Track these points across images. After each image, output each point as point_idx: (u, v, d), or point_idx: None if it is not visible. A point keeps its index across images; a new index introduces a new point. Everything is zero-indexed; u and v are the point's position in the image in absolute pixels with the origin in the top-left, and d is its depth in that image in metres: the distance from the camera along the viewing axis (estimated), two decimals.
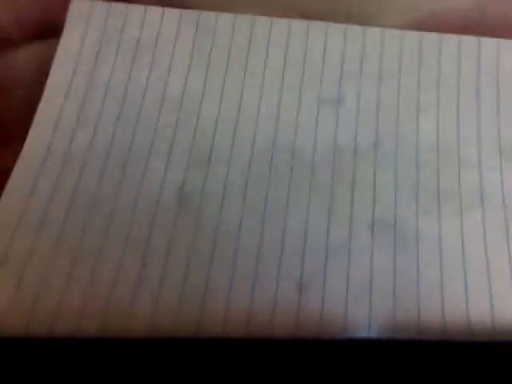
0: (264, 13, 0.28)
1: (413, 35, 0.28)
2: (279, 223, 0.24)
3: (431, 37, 0.28)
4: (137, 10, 0.28)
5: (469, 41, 0.28)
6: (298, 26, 0.28)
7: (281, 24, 0.28)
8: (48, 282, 0.22)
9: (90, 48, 0.27)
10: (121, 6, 0.28)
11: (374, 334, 0.22)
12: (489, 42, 0.28)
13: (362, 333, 0.22)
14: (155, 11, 0.28)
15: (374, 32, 0.28)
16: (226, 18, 0.28)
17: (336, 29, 0.28)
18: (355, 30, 0.28)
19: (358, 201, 0.25)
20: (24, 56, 0.28)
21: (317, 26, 0.28)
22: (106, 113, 0.26)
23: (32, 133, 0.25)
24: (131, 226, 0.24)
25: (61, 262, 0.23)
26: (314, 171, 0.25)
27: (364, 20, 0.28)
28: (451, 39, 0.28)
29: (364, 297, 0.23)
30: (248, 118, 0.26)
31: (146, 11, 0.28)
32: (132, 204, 0.24)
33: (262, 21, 0.28)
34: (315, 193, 0.25)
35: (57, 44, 0.27)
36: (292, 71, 0.27)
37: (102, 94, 0.26)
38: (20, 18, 0.28)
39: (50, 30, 0.28)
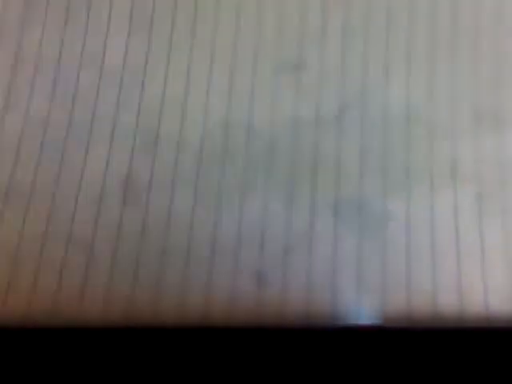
0: None
1: None
2: (235, 211, 0.22)
3: None
4: None
5: None
6: None
7: None
8: None
9: (16, 13, 0.24)
10: None
11: (339, 322, 0.21)
12: None
13: (326, 321, 0.21)
14: None
15: None
16: None
17: None
18: None
19: (321, 181, 0.23)
20: None
21: None
22: (38, 91, 0.23)
23: None
24: (73, 222, 0.22)
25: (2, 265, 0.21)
26: (271, 150, 0.23)
27: None
28: None
29: (327, 286, 0.21)
30: (197, 93, 0.23)
31: None
32: (73, 197, 0.22)
33: None
34: (274, 175, 0.23)
35: None
36: (245, 36, 0.24)
37: (32, 67, 0.23)
38: None
39: None
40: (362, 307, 0.21)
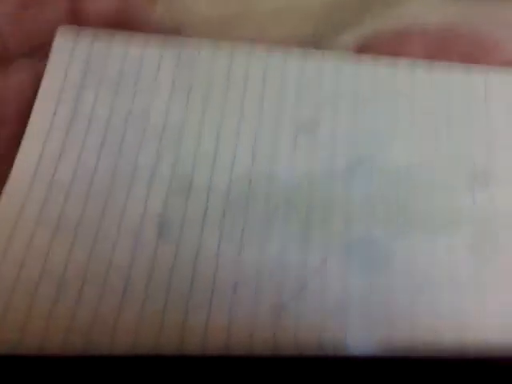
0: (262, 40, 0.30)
1: (386, 62, 0.29)
2: (257, 250, 0.25)
3: (403, 64, 0.29)
4: (120, 39, 0.29)
5: (439, 67, 0.29)
6: (275, 54, 0.29)
7: (259, 53, 0.29)
8: (35, 305, 0.23)
9: (74, 79, 0.28)
10: (105, 35, 0.29)
11: (351, 353, 0.23)
12: (458, 68, 0.29)
13: (340, 352, 0.23)
14: (138, 40, 0.29)
15: (349, 59, 0.29)
16: (207, 48, 0.29)
17: (313, 56, 0.29)
18: (331, 56, 0.29)
19: (333, 225, 0.26)
20: (15, 79, 0.29)
21: (294, 54, 0.29)
22: (90, 142, 0.27)
23: (17, 163, 0.26)
24: (114, 252, 0.25)
25: (47, 286, 0.24)
26: (289, 198, 0.26)
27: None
28: (423, 66, 0.29)
29: (341, 318, 0.24)
30: (226, 148, 0.27)
31: (129, 40, 0.29)
32: (115, 231, 0.25)
33: (242, 50, 0.29)
34: (291, 219, 0.26)
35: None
36: (269, 100, 0.28)
37: (86, 124, 0.27)
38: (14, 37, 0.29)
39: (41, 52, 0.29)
40: (369, 339, 0.23)
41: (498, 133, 0.28)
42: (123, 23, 0.30)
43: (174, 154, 0.27)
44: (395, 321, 0.24)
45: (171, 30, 0.30)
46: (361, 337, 0.23)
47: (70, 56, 0.29)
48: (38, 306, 0.23)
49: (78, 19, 0.31)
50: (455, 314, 0.24)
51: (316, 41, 0.30)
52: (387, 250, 0.25)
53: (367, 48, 0.30)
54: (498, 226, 0.26)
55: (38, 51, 0.29)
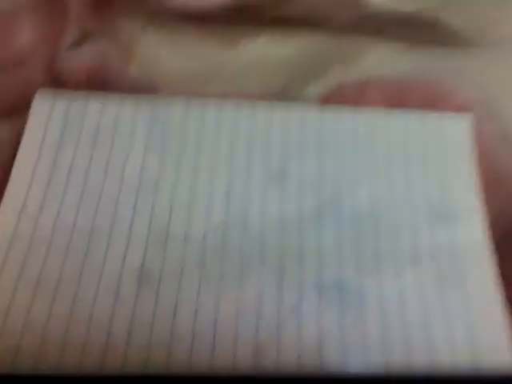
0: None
1: (347, 111, 0.31)
2: (234, 294, 0.26)
3: (362, 112, 0.31)
4: (96, 99, 0.31)
5: (396, 114, 0.31)
6: (244, 109, 0.31)
7: (228, 109, 0.31)
8: (18, 360, 0.24)
9: (53, 138, 0.29)
10: (82, 96, 0.31)
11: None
12: (413, 114, 0.31)
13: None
14: (113, 100, 0.31)
15: (313, 110, 0.31)
16: (179, 105, 0.31)
17: (280, 108, 0.31)
18: (296, 108, 0.31)
19: (306, 266, 0.27)
20: None
21: (262, 107, 0.31)
22: (69, 198, 0.28)
23: None
24: (94, 307, 0.25)
25: (29, 341, 0.24)
26: (263, 244, 0.27)
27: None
28: (381, 113, 0.31)
29: (317, 355, 0.25)
30: (201, 199, 0.29)
31: (104, 100, 0.31)
32: (95, 285, 0.26)
33: (212, 107, 0.31)
34: (266, 263, 0.27)
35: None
36: (240, 152, 0.30)
37: (64, 180, 0.29)
38: None
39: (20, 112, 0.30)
40: (345, 374, 0.24)
41: (453, 172, 0.30)
42: (99, 82, 0.32)
43: (151, 207, 0.28)
44: (369, 356, 0.25)
45: (146, 87, 0.32)
46: (337, 372, 0.24)
47: (48, 117, 0.30)
48: (21, 361, 0.24)
49: (55, 79, 0.32)
50: (426, 348, 0.25)
51: (284, 93, 0.32)
52: (358, 289, 0.26)
53: (331, 99, 0.32)
54: (460, 261, 0.27)
55: (17, 111, 0.30)
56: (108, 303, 0.25)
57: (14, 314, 0.25)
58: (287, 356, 0.24)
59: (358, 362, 0.24)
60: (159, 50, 0.33)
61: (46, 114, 0.30)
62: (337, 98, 0.31)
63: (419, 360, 0.25)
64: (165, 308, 0.25)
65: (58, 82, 0.32)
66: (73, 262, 0.26)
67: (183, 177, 0.29)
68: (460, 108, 0.31)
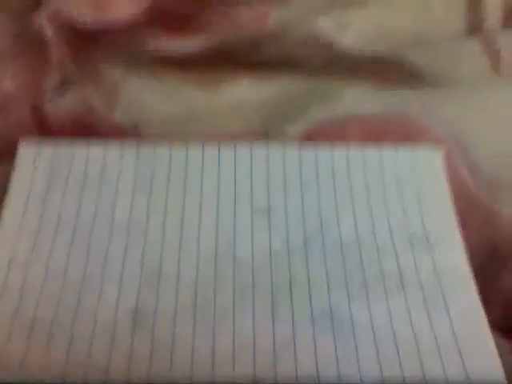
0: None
1: (324, 148, 0.33)
2: (229, 330, 0.26)
3: (339, 148, 0.33)
4: (81, 145, 0.31)
5: (372, 151, 0.33)
6: (226, 149, 0.32)
7: (211, 149, 0.32)
8: None
9: (40, 186, 0.30)
10: (66, 146, 0.31)
11: None
12: (388, 151, 0.33)
13: None
14: (98, 147, 0.31)
15: (293, 148, 0.33)
16: (162, 148, 0.32)
17: (261, 147, 0.32)
18: (277, 146, 0.33)
19: (297, 298, 0.28)
20: None
21: (243, 147, 0.32)
22: (59, 244, 0.28)
23: None
24: (90, 351, 0.25)
25: None
26: (254, 277, 0.28)
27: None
28: (357, 151, 0.33)
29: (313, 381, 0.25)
30: (190, 236, 0.29)
31: (89, 148, 0.31)
32: (90, 328, 0.26)
33: (195, 148, 0.32)
34: (258, 297, 0.27)
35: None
36: (225, 190, 0.31)
37: (54, 227, 0.29)
38: None
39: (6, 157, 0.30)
40: None
41: (429, 202, 0.31)
42: (84, 126, 0.32)
43: (142, 248, 0.29)
44: (364, 377, 0.25)
45: (130, 131, 0.33)
46: None
47: (34, 166, 0.30)
48: None
49: (40, 124, 0.32)
50: (416, 369, 0.26)
51: (264, 132, 0.33)
52: (349, 317, 0.27)
53: (311, 136, 0.33)
54: (443, 286, 0.28)
55: (3, 156, 0.31)
56: (103, 347, 0.25)
57: (9, 362, 0.25)
58: None
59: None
60: (142, 94, 0.34)
61: (32, 162, 0.30)
62: (317, 135, 0.33)
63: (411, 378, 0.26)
64: (160, 348, 0.26)
65: (43, 127, 0.32)
66: (65, 309, 0.26)
67: (171, 217, 0.30)
68: (431, 143, 0.33)
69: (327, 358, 0.26)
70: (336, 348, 0.26)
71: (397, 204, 0.31)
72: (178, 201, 0.30)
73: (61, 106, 0.33)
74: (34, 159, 0.30)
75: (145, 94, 0.34)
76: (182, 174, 0.31)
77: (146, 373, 0.25)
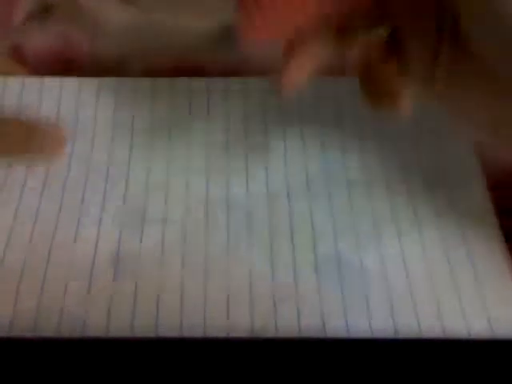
0: None
1: None
2: (222, 275, 0.23)
3: None
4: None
5: None
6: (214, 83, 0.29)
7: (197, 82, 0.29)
8: None
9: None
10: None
11: None
12: None
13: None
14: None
15: None
16: (146, 81, 0.29)
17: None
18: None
19: (298, 243, 0.24)
20: None
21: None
22: (29, 186, 0.25)
23: None
24: (64, 300, 0.22)
25: None
26: (250, 219, 0.25)
27: None
28: None
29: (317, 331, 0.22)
30: (178, 176, 0.26)
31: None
32: (64, 275, 0.23)
33: (180, 81, 0.29)
34: (254, 241, 0.24)
35: None
36: (216, 125, 0.28)
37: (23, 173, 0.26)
38: None
39: None
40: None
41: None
42: (64, 61, 0.29)
43: (124, 188, 0.26)
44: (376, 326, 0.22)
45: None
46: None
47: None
48: None
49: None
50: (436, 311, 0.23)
51: None
52: (358, 262, 0.24)
53: None
54: (462, 223, 0.25)
55: None
56: (79, 296, 0.22)
57: None
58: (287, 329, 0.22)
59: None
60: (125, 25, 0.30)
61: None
62: None
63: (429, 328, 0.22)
64: (145, 296, 0.23)
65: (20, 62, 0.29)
66: (37, 254, 0.23)
67: (156, 153, 0.27)
68: None
69: (333, 307, 0.23)
70: (343, 296, 0.23)
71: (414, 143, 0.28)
72: (164, 136, 0.27)
73: (40, 40, 0.30)
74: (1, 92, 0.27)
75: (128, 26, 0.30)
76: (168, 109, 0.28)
77: (127, 325, 0.22)
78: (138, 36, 0.30)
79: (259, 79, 0.29)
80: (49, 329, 0.22)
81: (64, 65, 0.29)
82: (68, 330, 0.22)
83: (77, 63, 0.29)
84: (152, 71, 0.29)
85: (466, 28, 0.18)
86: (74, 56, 0.30)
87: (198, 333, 0.22)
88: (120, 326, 0.22)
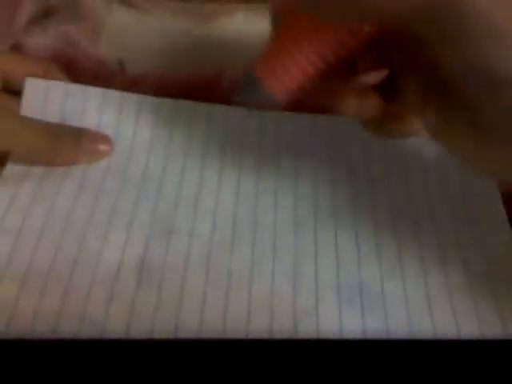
0: None
1: None
2: (244, 293, 0.23)
3: None
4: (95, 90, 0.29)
5: None
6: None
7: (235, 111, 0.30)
8: None
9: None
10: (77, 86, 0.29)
11: None
12: None
13: None
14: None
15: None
16: (184, 103, 0.30)
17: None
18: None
19: (322, 268, 0.25)
20: None
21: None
22: (64, 191, 0.26)
23: None
24: (87, 303, 0.22)
25: None
26: (275, 236, 0.25)
27: None
28: None
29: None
30: (209, 193, 0.27)
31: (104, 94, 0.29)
32: (89, 279, 0.23)
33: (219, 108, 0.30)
34: (278, 259, 0.25)
35: None
36: (249, 151, 0.29)
37: (62, 172, 0.26)
38: None
39: None
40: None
41: None
42: (66, 62, 0.30)
43: (154, 200, 0.26)
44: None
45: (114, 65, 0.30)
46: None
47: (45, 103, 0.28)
48: None
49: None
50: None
51: None
52: (380, 293, 0.24)
53: None
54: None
55: None
56: (102, 301, 0.23)
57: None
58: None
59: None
60: (128, 27, 0.31)
61: (43, 100, 0.28)
62: None
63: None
64: (167, 306, 0.23)
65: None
66: (64, 256, 0.24)
67: (190, 173, 0.28)
68: None
69: (352, 333, 0.23)
70: (363, 323, 0.23)
71: None
72: (198, 157, 0.28)
73: (41, 40, 0.30)
74: (44, 97, 0.28)
75: (131, 28, 0.30)
76: (204, 131, 0.29)
77: (147, 332, 0.22)
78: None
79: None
80: (68, 332, 0.22)
81: (65, 66, 0.29)
82: (87, 334, 0.22)
83: (78, 64, 0.30)
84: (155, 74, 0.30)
85: (451, 78, 0.19)
86: (75, 57, 0.30)
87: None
88: (139, 331, 0.22)
